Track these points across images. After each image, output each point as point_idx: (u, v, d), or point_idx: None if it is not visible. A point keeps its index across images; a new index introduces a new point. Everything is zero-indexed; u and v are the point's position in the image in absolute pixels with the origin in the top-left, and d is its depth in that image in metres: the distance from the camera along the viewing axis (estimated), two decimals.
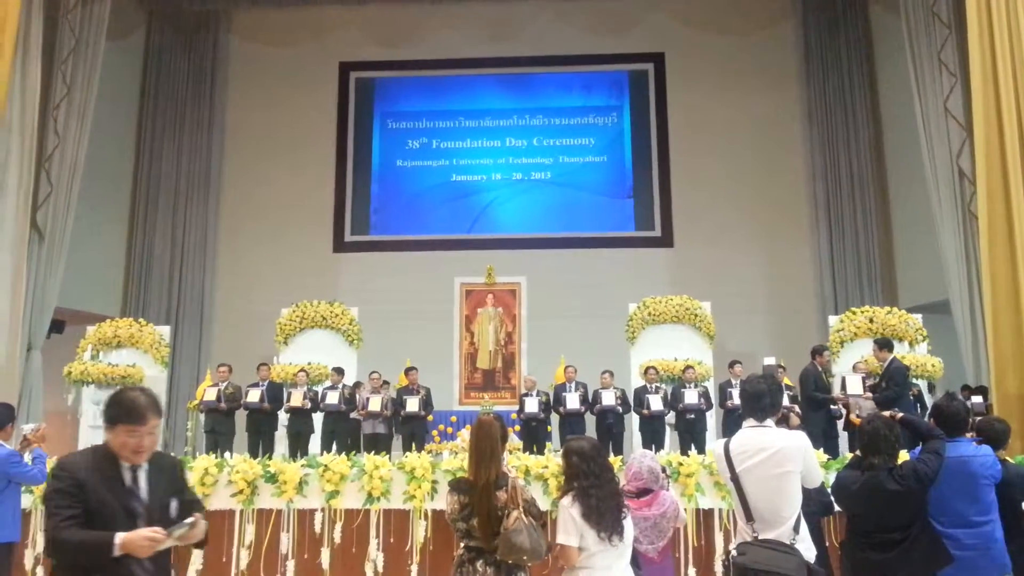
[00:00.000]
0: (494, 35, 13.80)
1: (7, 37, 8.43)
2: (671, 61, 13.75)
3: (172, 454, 3.01)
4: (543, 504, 5.09)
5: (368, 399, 8.84)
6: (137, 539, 2.38)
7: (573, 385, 9.05)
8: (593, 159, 13.80)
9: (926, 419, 4.65)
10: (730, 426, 8.37)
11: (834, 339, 9.32)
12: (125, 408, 2.53)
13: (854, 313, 9.52)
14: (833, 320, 9.83)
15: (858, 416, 6.54)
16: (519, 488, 3.20)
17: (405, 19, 13.90)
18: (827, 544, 4.70)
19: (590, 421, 8.96)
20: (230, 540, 5.43)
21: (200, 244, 13.27)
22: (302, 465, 5.48)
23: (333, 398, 8.88)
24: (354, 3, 13.70)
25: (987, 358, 8.40)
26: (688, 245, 13.07)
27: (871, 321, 9.18)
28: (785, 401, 7.58)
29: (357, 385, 9.56)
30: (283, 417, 9.04)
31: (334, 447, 8.43)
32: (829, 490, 4.08)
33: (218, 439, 8.54)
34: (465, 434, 8.39)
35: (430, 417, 9.29)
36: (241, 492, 5.47)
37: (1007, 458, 4.19)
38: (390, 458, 5.71)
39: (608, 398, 8.76)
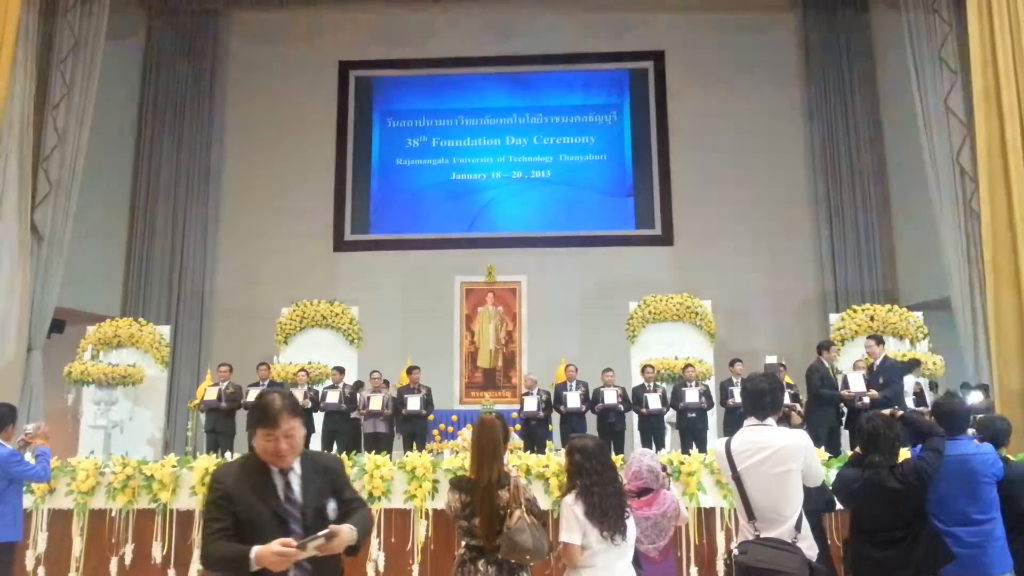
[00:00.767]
0: (494, 34, 13.78)
1: (7, 36, 8.43)
2: (671, 59, 13.73)
3: (331, 453, 2.94)
4: (544, 503, 5.09)
5: (369, 398, 8.84)
6: (267, 554, 2.28)
7: (574, 384, 9.05)
8: (593, 157, 13.78)
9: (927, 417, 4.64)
10: (731, 425, 8.36)
11: (835, 337, 9.31)
12: (259, 412, 2.48)
13: (855, 311, 9.51)
14: (834, 318, 9.82)
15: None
16: (521, 487, 3.20)
17: (405, 18, 13.88)
18: (828, 542, 4.70)
19: (590, 420, 8.96)
20: None
21: (200, 244, 13.26)
22: None
23: (334, 397, 8.88)
24: (354, 2, 13.69)
25: (988, 355, 8.40)
26: (688, 243, 13.06)
27: (872, 319, 9.18)
28: (786, 400, 7.57)
29: (359, 385, 9.55)
30: None
31: (335, 447, 8.45)
32: (830, 488, 4.09)
33: (219, 439, 8.56)
34: (466, 433, 8.40)
35: (431, 416, 9.28)
36: None
37: (1008, 456, 4.19)
38: (391, 457, 5.72)
39: (610, 396, 8.76)
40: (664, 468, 3.88)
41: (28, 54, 8.99)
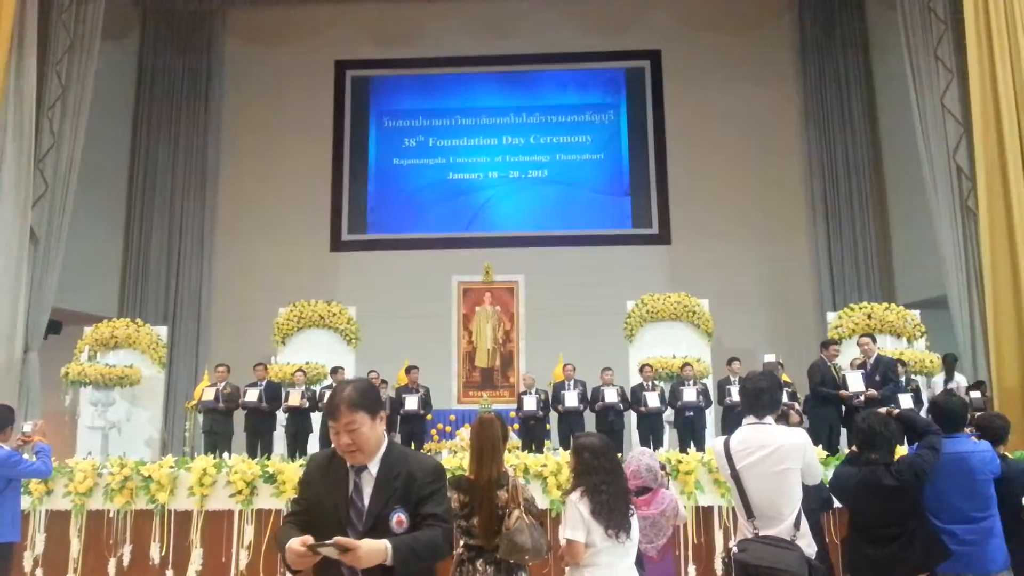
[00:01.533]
0: (490, 33, 13.78)
1: (2, 36, 8.41)
2: (667, 58, 13.74)
3: (434, 458, 2.59)
4: (541, 503, 5.09)
5: None
6: (290, 549, 2.14)
7: (572, 383, 9.05)
8: (590, 157, 13.78)
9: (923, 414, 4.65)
10: (729, 423, 8.37)
11: (832, 335, 9.31)
12: (326, 404, 2.36)
13: (852, 309, 9.52)
14: (831, 316, 9.83)
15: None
16: (519, 487, 3.20)
17: (401, 17, 13.87)
18: (826, 540, 4.70)
19: (588, 419, 8.96)
20: (229, 540, 5.43)
21: (197, 244, 13.24)
22: (301, 465, 5.47)
23: None
24: (350, 2, 13.67)
25: (985, 353, 8.42)
26: (685, 242, 13.07)
27: (869, 317, 9.18)
28: (784, 398, 7.57)
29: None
30: (281, 417, 9.02)
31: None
32: (827, 486, 4.09)
33: (216, 439, 8.53)
34: (464, 433, 8.41)
35: (429, 416, 9.28)
36: (240, 492, 5.47)
37: (1006, 453, 4.20)
38: None
39: (610, 395, 8.76)
40: (663, 467, 3.88)
41: (23, 54, 8.96)
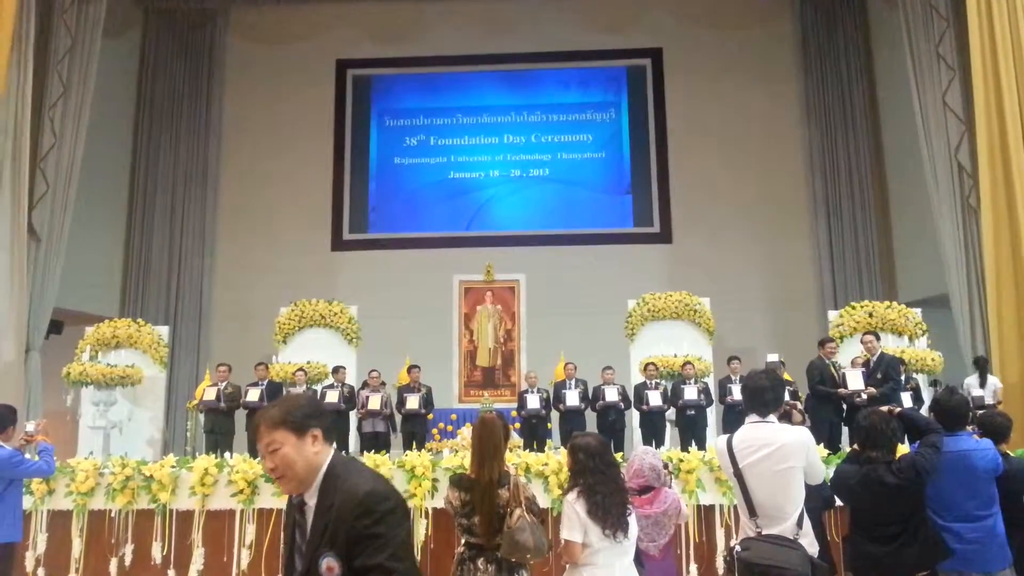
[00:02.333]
0: (491, 31, 13.77)
1: (3, 36, 8.40)
2: (669, 57, 13.72)
3: (364, 487, 1.91)
4: (543, 502, 5.09)
5: (368, 397, 8.84)
6: None
7: (573, 382, 9.05)
8: (591, 155, 13.77)
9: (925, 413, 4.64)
10: (730, 422, 8.36)
11: (833, 334, 9.30)
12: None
13: (853, 308, 9.50)
14: (833, 315, 9.81)
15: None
16: (521, 486, 3.20)
17: (402, 16, 13.88)
18: (828, 538, 4.70)
19: (590, 418, 8.96)
20: (231, 540, 5.43)
21: (198, 243, 13.24)
22: None
23: (332, 397, 8.87)
24: (351, 0, 13.65)
25: (987, 351, 8.41)
26: (687, 241, 13.06)
27: (871, 316, 9.17)
28: (786, 397, 7.56)
29: (365, 386, 9.52)
30: None
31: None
32: (829, 484, 4.09)
33: (218, 439, 8.54)
34: (465, 432, 8.40)
35: (431, 415, 9.28)
36: (241, 492, 5.48)
37: (1008, 452, 4.19)
38: (390, 456, 5.71)
39: (611, 394, 8.76)
40: (666, 466, 3.88)
41: (25, 54, 8.96)
